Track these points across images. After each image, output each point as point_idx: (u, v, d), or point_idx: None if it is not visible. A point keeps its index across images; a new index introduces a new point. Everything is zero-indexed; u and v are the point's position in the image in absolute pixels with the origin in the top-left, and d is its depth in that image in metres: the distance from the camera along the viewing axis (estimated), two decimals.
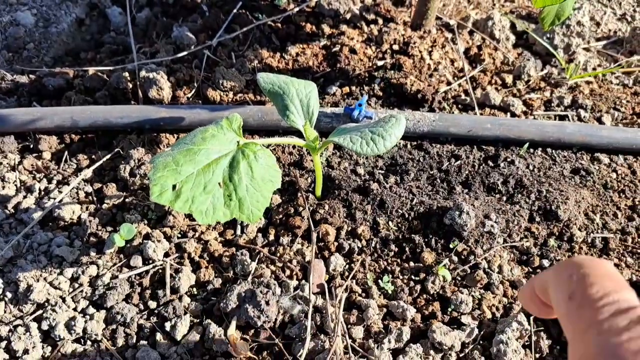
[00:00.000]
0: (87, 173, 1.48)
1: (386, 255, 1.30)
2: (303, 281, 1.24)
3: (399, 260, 1.30)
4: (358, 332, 1.16)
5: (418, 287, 1.24)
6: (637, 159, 1.60)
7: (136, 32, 1.97)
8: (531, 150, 1.58)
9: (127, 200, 1.40)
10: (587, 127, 1.59)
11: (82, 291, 1.23)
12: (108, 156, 1.51)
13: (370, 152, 1.10)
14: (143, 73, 1.64)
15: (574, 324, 0.46)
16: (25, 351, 1.12)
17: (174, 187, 1.02)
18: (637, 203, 1.46)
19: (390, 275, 1.27)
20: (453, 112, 1.68)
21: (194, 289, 1.25)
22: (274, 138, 1.22)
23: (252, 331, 1.16)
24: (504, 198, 1.43)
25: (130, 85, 1.65)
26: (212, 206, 1.05)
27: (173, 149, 1.08)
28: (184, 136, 1.13)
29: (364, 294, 1.24)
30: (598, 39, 2.17)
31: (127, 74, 1.67)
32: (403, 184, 1.44)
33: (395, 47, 1.83)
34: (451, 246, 1.30)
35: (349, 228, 1.34)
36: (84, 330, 1.17)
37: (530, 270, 1.29)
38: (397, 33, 1.86)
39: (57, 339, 1.15)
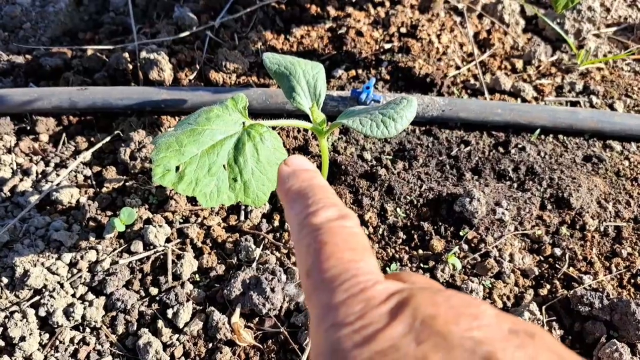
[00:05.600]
0: (86, 156, 1.43)
1: (394, 243, 1.27)
2: None
3: (407, 248, 1.26)
4: None
5: (427, 275, 1.20)
6: None
7: (136, 12, 1.91)
8: (542, 136, 1.54)
9: (127, 184, 1.36)
10: (600, 113, 1.55)
11: (80, 277, 1.19)
12: (108, 139, 1.47)
13: (381, 134, 1.06)
14: (144, 54, 1.59)
15: (312, 310, 0.39)
16: (22, 338, 1.09)
17: (177, 168, 0.97)
18: None
19: (399, 263, 1.23)
20: (462, 97, 1.64)
21: (197, 276, 1.21)
22: (280, 120, 1.18)
23: (257, 319, 1.13)
24: (515, 185, 1.39)
25: (131, 66, 1.60)
26: (217, 189, 1.00)
27: (176, 129, 1.04)
28: (188, 116, 1.08)
29: None
30: (608, 25, 2.13)
31: (127, 55, 1.62)
32: (411, 170, 1.40)
33: (403, 30, 1.78)
34: (461, 234, 1.27)
35: (356, 214, 1.30)
36: (83, 317, 1.13)
37: (542, 259, 1.26)
38: (404, 15, 1.81)
39: (55, 326, 1.11)
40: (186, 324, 1.12)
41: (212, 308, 1.13)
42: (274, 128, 1.47)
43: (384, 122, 1.07)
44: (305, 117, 1.22)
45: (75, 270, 1.20)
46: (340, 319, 0.35)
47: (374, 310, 0.35)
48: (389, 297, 0.35)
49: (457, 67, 1.73)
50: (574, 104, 1.68)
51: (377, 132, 1.07)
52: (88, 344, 1.10)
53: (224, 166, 1.02)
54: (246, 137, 1.05)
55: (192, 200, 1.32)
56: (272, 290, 1.11)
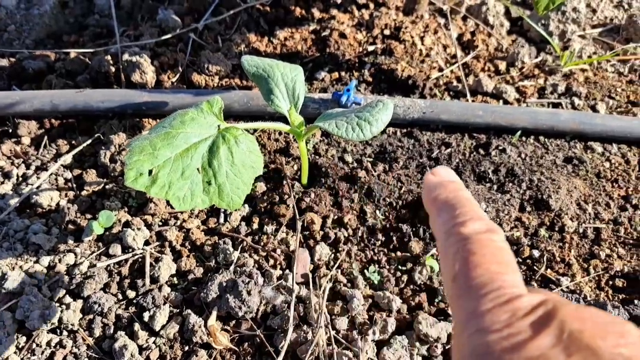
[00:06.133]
0: (67, 159, 1.43)
1: (373, 245, 1.27)
2: (287, 271, 1.21)
3: (386, 250, 1.26)
4: (342, 323, 1.12)
5: (405, 277, 1.21)
6: (632, 148, 1.57)
7: (121, 15, 1.91)
8: (524, 138, 1.54)
9: (107, 187, 1.36)
10: (581, 115, 1.56)
11: (58, 280, 1.19)
12: (88, 142, 1.47)
13: (356, 137, 1.07)
14: (126, 56, 1.59)
15: (456, 314, 0.41)
16: None
17: (150, 172, 0.98)
18: (630, 193, 1.43)
19: (377, 265, 1.23)
20: (444, 99, 1.64)
21: (175, 279, 1.21)
22: (257, 122, 1.18)
23: (233, 322, 1.13)
24: (495, 187, 1.40)
25: (113, 69, 1.60)
26: (190, 192, 1.01)
27: (151, 132, 1.04)
28: (163, 120, 1.08)
29: (349, 284, 1.20)
30: (594, 26, 2.13)
31: (109, 58, 1.62)
32: (392, 172, 1.40)
33: (387, 32, 1.78)
34: None
35: (335, 217, 1.30)
36: (60, 320, 1.13)
37: (520, 260, 1.26)
38: (388, 17, 1.81)
39: (32, 329, 1.11)
40: (162, 327, 1.12)
41: (189, 311, 1.13)
42: (254, 131, 1.48)
43: (359, 125, 1.07)
44: (286, 120, 1.22)
45: (53, 274, 1.20)
46: (486, 325, 0.37)
47: (521, 320, 0.36)
48: (534, 309, 0.37)
49: (440, 69, 1.73)
50: (556, 105, 1.68)
51: (353, 135, 1.07)
52: (65, 347, 1.10)
53: (198, 169, 1.02)
54: (221, 140, 1.05)
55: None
56: (249, 293, 1.11)
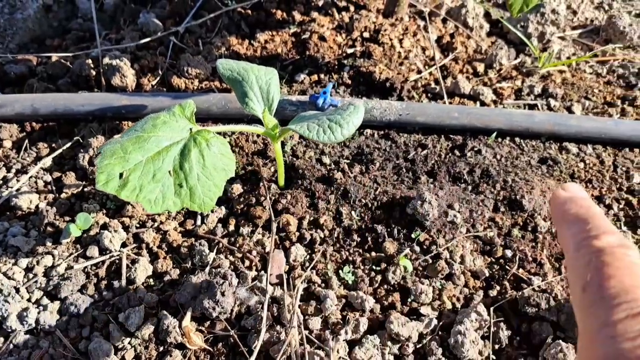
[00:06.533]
0: (47, 162, 1.45)
1: (348, 246, 1.29)
2: (262, 272, 1.22)
3: (360, 250, 1.28)
4: (315, 323, 1.14)
5: (379, 277, 1.22)
6: (606, 148, 1.59)
7: (104, 18, 1.93)
8: (499, 139, 1.57)
9: (85, 189, 1.38)
10: (556, 116, 1.58)
11: (36, 281, 1.20)
12: (68, 145, 1.48)
13: (327, 140, 1.08)
14: (106, 60, 1.61)
15: (586, 321, 0.42)
16: None
17: (121, 175, 0.99)
18: (603, 193, 1.45)
19: (352, 266, 1.25)
20: (422, 101, 1.66)
21: (151, 280, 1.23)
22: (230, 125, 1.20)
23: (208, 322, 1.14)
24: (469, 188, 1.41)
25: (94, 73, 1.62)
26: (162, 195, 1.02)
27: (123, 136, 1.05)
28: (135, 123, 1.10)
29: (323, 285, 1.22)
30: (574, 28, 2.16)
31: (90, 61, 1.64)
32: (368, 174, 1.42)
33: (366, 34, 1.80)
34: (413, 236, 1.29)
35: (312, 218, 1.32)
36: (37, 321, 1.14)
37: (493, 260, 1.28)
38: (368, 20, 1.83)
39: (9, 330, 1.13)
40: (138, 328, 1.13)
41: (164, 312, 1.14)
42: (224, 134, 1.49)
43: (330, 128, 1.09)
44: (262, 122, 1.24)
45: (31, 275, 1.22)
46: (619, 333, 0.38)
47: None
48: None
49: (419, 72, 1.75)
50: (532, 107, 1.71)
51: (324, 138, 1.09)
52: (41, 348, 1.12)
53: (169, 172, 1.04)
54: (192, 143, 1.06)
55: None
56: (223, 294, 1.13)
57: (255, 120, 1.47)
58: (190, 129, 1.09)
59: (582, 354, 0.42)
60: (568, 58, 1.95)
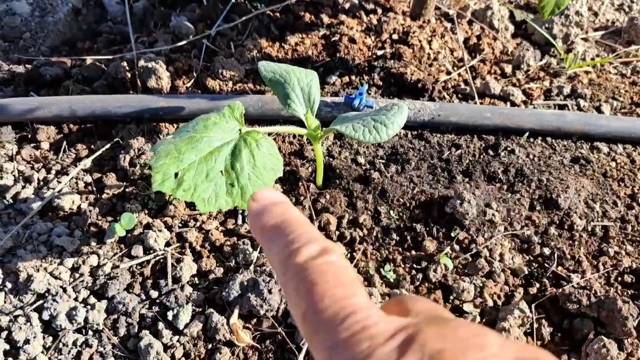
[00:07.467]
0: (87, 163, 1.47)
1: (388, 244, 1.30)
2: None
3: (400, 249, 1.30)
4: None
5: (420, 275, 1.24)
6: (636, 148, 1.61)
7: (134, 21, 1.95)
8: (531, 139, 1.58)
9: (127, 190, 1.39)
10: (586, 116, 1.59)
11: (82, 281, 1.22)
12: (107, 146, 1.50)
13: (373, 140, 1.10)
14: (142, 62, 1.63)
15: (316, 354, 0.38)
16: (26, 341, 1.12)
17: (175, 175, 1.01)
18: (636, 191, 1.47)
19: (392, 264, 1.27)
20: (453, 102, 1.68)
21: (196, 279, 1.24)
22: (276, 126, 1.22)
23: (255, 320, 1.16)
24: (505, 187, 1.43)
25: (129, 75, 1.64)
26: (215, 194, 1.04)
27: (175, 136, 1.07)
28: (186, 124, 1.12)
29: (366, 283, 1.24)
30: (596, 29, 2.17)
31: (125, 64, 1.66)
32: (404, 173, 1.43)
33: (395, 36, 1.82)
34: (452, 235, 1.31)
35: (350, 217, 1.34)
36: (85, 320, 1.16)
37: (531, 258, 1.30)
38: (396, 22, 1.85)
39: (58, 329, 1.14)
40: (186, 326, 1.15)
41: (211, 310, 1.16)
42: (269, 134, 1.51)
43: (375, 128, 1.11)
44: (300, 123, 1.26)
45: (77, 275, 1.23)
46: (348, 358, 0.35)
47: (380, 348, 0.35)
48: (394, 334, 0.36)
49: (448, 73, 1.77)
50: (562, 107, 1.72)
51: (370, 138, 1.10)
52: (91, 346, 1.13)
53: (221, 172, 1.06)
54: (243, 143, 1.08)
55: (190, 205, 1.36)
56: (269, 291, 1.15)
57: (290, 121, 1.49)
58: (240, 130, 1.11)
59: None
60: (592, 59, 1.97)
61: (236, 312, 1.15)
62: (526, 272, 1.27)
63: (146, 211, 1.35)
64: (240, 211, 1.35)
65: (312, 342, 0.38)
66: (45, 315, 1.16)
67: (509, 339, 0.36)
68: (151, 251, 1.27)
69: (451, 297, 1.21)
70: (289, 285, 0.41)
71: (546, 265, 1.28)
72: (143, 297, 1.21)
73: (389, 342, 0.35)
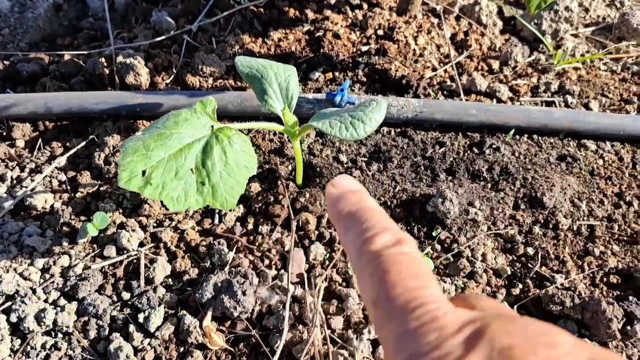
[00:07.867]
0: (61, 161, 1.43)
1: None
2: (282, 271, 1.21)
3: None
4: (337, 322, 1.12)
5: None
6: (624, 145, 1.58)
7: (115, 17, 1.92)
8: (517, 136, 1.55)
9: (101, 188, 1.36)
10: (574, 112, 1.56)
11: (53, 282, 1.19)
12: (83, 144, 1.47)
13: (350, 137, 1.07)
14: (120, 58, 1.59)
15: (384, 339, 0.39)
16: None
17: (143, 172, 0.98)
18: (623, 190, 1.44)
19: None
20: (438, 99, 1.65)
21: (170, 280, 1.21)
22: (251, 123, 1.18)
23: (229, 322, 1.13)
24: (489, 185, 1.40)
25: (107, 71, 1.60)
26: (184, 193, 1.01)
27: (144, 133, 1.04)
28: (156, 120, 1.08)
29: (344, 284, 1.20)
30: (587, 25, 2.14)
31: (103, 60, 1.62)
32: (386, 171, 1.40)
33: (380, 32, 1.79)
34: (434, 234, 1.27)
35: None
36: (55, 322, 1.12)
37: (515, 258, 1.27)
38: (382, 18, 1.81)
39: (27, 332, 1.11)
40: (158, 328, 1.12)
41: (184, 312, 1.13)
42: (249, 131, 1.48)
43: (352, 125, 1.07)
44: (280, 120, 1.23)
45: (47, 276, 1.20)
46: (416, 349, 0.35)
47: (449, 340, 0.35)
48: (463, 327, 0.36)
49: (434, 69, 1.73)
50: (549, 104, 1.69)
51: (346, 135, 1.07)
52: (60, 349, 1.10)
53: (191, 170, 1.03)
54: (214, 140, 1.05)
55: None
56: (244, 293, 1.11)
57: (271, 118, 1.46)
58: (212, 126, 1.07)
59: None
60: (582, 55, 1.94)
61: (209, 314, 1.12)
62: (509, 273, 1.24)
63: (120, 210, 1.31)
64: (217, 211, 1.31)
65: (383, 328, 0.39)
66: (13, 317, 1.12)
67: (582, 340, 0.35)
68: (124, 251, 1.24)
69: None
70: (364, 272, 0.42)
71: (530, 265, 1.25)
72: (115, 298, 1.18)
73: (457, 335, 0.35)
